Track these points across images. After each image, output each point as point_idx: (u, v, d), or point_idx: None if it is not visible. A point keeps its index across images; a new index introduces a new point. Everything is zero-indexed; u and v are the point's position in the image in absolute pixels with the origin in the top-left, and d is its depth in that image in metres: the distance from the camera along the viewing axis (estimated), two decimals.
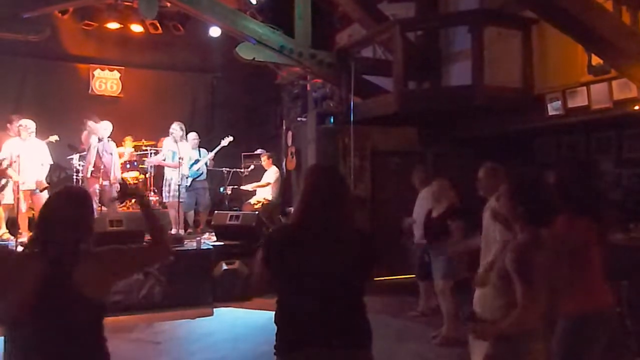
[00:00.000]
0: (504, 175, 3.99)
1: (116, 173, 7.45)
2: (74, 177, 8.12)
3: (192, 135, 8.17)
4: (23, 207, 6.75)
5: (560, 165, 3.12)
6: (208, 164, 8.21)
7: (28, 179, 6.74)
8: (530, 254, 2.19)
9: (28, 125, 6.82)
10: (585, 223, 2.69)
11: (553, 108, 5.68)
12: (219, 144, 8.25)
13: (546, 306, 2.26)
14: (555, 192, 2.77)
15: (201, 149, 8.18)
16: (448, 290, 4.90)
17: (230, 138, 8.31)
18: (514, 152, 6.76)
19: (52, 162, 7.24)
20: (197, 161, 8.03)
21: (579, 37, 4.43)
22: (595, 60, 5.11)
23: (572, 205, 2.71)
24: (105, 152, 7.33)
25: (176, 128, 7.50)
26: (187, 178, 7.81)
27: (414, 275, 6.00)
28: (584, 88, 5.31)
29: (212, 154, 8.20)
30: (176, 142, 7.43)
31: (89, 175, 7.19)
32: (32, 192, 6.85)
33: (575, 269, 2.63)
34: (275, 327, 2.05)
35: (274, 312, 2.07)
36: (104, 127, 7.38)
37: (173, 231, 7.36)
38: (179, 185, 7.35)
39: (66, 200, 1.97)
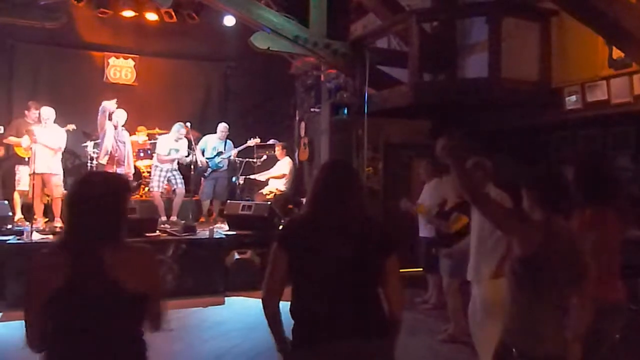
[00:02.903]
0: (490, 170, 3.95)
1: (130, 162, 7.49)
2: (88, 164, 8.18)
3: (221, 127, 8.24)
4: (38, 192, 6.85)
5: (579, 160, 3.08)
6: (231, 159, 8.29)
7: (44, 164, 6.81)
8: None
9: (46, 113, 6.91)
10: (612, 216, 2.67)
11: (571, 102, 5.59)
12: (244, 142, 8.39)
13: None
14: (576, 187, 2.74)
15: (228, 141, 8.27)
16: (454, 289, 4.85)
17: (257, 139, 8.40)
18: (529, 146, 6.68)
19: (63, 148, 7.28)
20: (219, 153, 8.08)
21: (600, 29, 4.35)
22: (617, 53, 5.01)
23: (598, 199, 2.68)
24: (119, 141, 7.36)
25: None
26: (207, 167, 8.01)
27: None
28: (604, 82, 5.22)
29: (235, 151, 8.32)
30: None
31: (104, 162, 7.23)
32: (48, 180, 6.92)
33: (597, 261, 2.61)
34: (291, 319, 2.05)
35: (288, 303, 2.07)
36: (119, 115, 7.41)
37: (163, 218, 7.45)
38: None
39: (102, 185, 1.81)
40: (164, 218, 7.47)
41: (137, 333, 1.84)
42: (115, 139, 7.32)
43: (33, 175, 6.68)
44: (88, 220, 1.75)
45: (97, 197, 1.76)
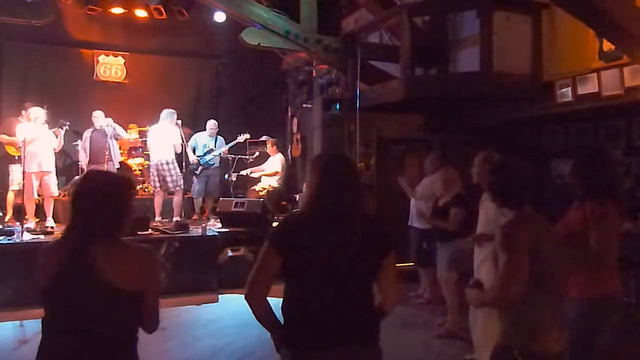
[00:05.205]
0: None
1: (112, 156, 7.46)
2: (79, 162, 8.12)
3: (210, 124, 8.19)
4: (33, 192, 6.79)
5: (579, 152, 3.05)
6: (222, 155, 8.25)
7: (37, 164, 6.75)
8: (515, 231, 2.20)
9: (37, 114, 6.82)
10: (612, 209, 2.65)
11: (562, 95, 5.60)
12: (235, 138, 8.35)
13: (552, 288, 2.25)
14: (576, 180, 2.74)
15: (218, 137, 8.22)
16: (452, 282, 4.84)
17: (247, 135, 8.38)
18: (522, 139, 6.69)
19: (56, 148, 7.24)
20: (210, 150, 8.04)
21: (591, 21, 4.35)
22: (607, 45, 5.03)
23: (598, 192, 2.67)
24: (95, 140, 7.45)
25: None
26: (198, 165, 7.94)
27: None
28: (595, 74, 5.24)
29: (226, 147, 8.26)
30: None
31: (85, 166, 7.33)
32: (40, 178, 6.86)
33: (595, 253, 2.60)
34: (283, 318, 2.00)
35: (280, 300, 2.03)
36: (94, 116, 7.47)
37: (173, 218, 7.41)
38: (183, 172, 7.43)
39: (100, 183, 1.89)
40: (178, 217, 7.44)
41: (127, 333, 1.83)
42: (92, 139, 7.43)
43: (23, 174, 6.61)
44: (84, 216, 1.81)
45: (95, 194, 1.83)
